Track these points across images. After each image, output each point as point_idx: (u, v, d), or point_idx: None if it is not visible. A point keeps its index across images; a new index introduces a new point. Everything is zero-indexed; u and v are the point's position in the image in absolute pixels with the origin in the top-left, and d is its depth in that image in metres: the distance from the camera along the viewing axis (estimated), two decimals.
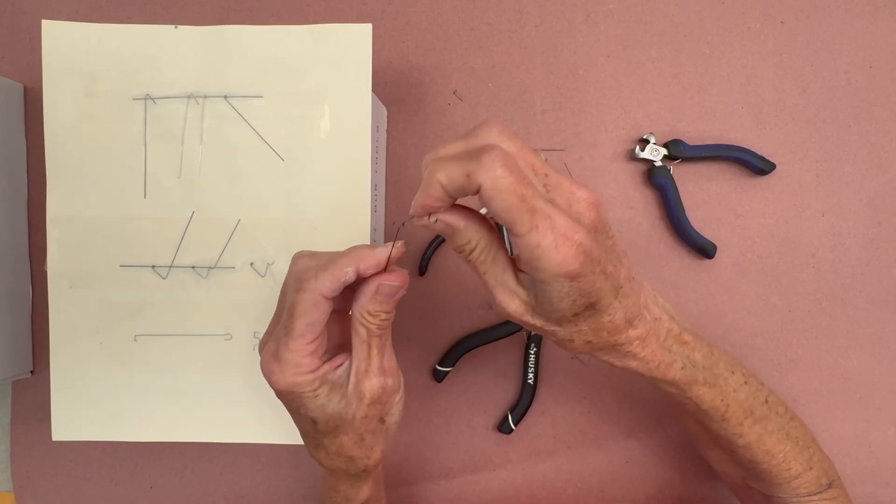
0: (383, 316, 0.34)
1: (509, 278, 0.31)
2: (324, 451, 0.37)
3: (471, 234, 0.30)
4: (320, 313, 0.32)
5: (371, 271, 0.33)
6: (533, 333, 0.52)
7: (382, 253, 0.33)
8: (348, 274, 0.32)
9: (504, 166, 0.27)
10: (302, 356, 0.33)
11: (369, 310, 0.33)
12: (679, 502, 0.54)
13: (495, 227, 0.32)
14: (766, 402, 0.41)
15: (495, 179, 0.26)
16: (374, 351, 0.34)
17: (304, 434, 0.37)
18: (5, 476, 0.55)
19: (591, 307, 0.30)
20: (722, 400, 0.39)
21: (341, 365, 0.35)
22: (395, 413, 0.37)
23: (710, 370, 0.38)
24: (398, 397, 0.37)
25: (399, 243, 0.33)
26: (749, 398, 0.40)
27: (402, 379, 0.37)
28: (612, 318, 0.32)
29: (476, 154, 0.27)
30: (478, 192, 0.27)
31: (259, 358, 0.35)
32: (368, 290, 0.33)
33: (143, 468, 0.55)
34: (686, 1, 0.53)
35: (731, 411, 0.39)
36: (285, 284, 0.34)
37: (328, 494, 0.41)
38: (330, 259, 0.33)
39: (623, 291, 0.32)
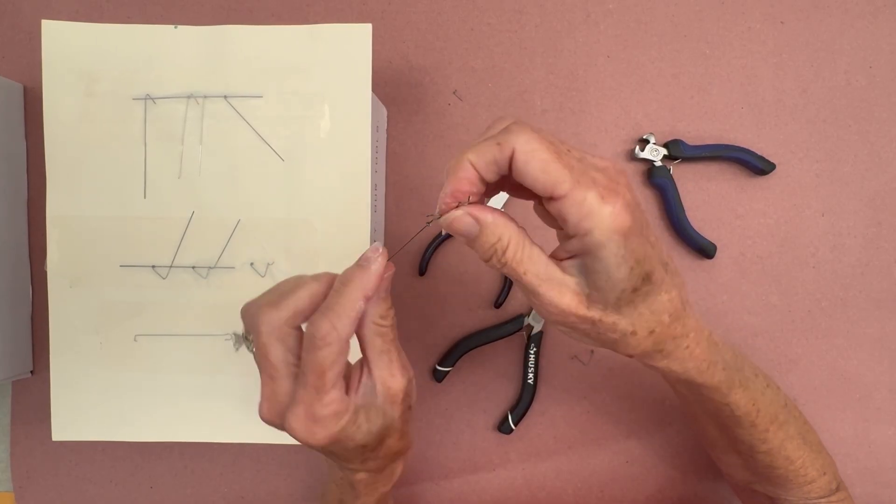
0: (392, 314, 0.33)
1: (554, 270, 0.29)
2: (373, 461, 0.35)
3: (500, 230, 0.29)
4: (344, 358, 0.30)
5: (375, 289, 0.31)
6: (533, 333, 0.52)
7: (377, 269, 0.31)
8: (361, 307, 0.30)
9: (534, 131, 0.27)
10: (338, 405, 0.31)
11: (381, 313, 0.32)
12: (679, 502, 0.54)
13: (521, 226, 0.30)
14: (786, 406, 0.41)
15: (528, 140, 0.26)
16: (394, 354, 0.33)
17: (347, 460, 0.35)
18: (5, 476, 0.55)
19: (647, 279, 0.29)
20: (754, 404, 0.38)
21: (360, 384, 0.33)
22: (414, 394, 0.35)
23: (741, 372, 0.37)
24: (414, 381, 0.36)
25: (385, 260, 0.31)
26: (773, 403, 0.39)
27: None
28: (671, 296, 0.30)
29: (504, 128, 0.27)
30: (510, 164, 0.27)
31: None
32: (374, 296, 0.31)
33: (143, 468, 0.55)
34: (686, 1, 0.53)
35: (761, 416, 0.38)
36: (263, 346, 0.31)
37: (364, 491, 0.38)
38: (335, 303, 0.30)
39: (670, 268, 0.30)
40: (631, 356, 0.32)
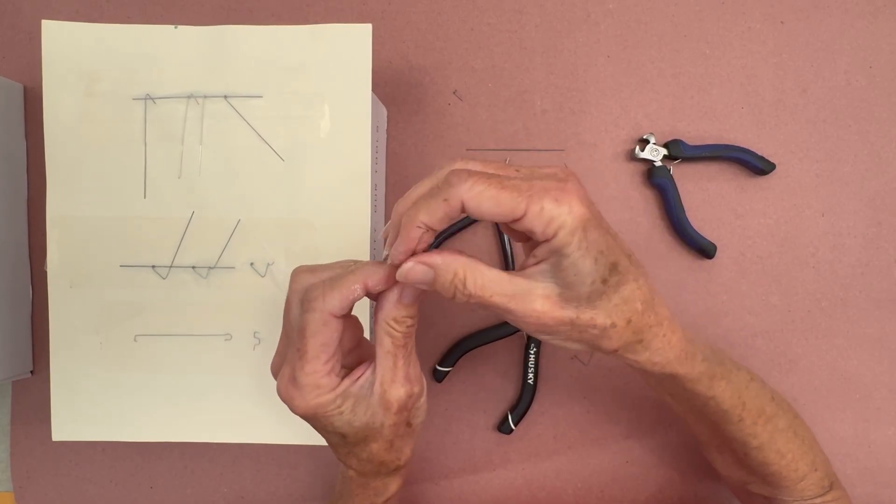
0: (409, 322, 0.33)
1: (519, 282, 0.30)
2: (355, 458, 0.36)
3: (453, 266, 0.30)
4: (332, 332, 0.31)
5: (381, 287, 0.32)
6: None
7: (390, 268, 0.32)
8: (356, 292, 0.31)
9: (472, 174, 0.28)
10: (319, 377, 0.32)
11: (395, 317, 0.32)
12: (679, 502, 0.54)
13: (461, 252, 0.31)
14: (773, 399, 0.41)
15: (471, 187, 0.28)
16: (401, 361, 0.33)
17: (333, 445, 0.36)
18: (5, 476, 0.55)
19: (614, 269, 0.30)
20: (739, 398, 0.38)
21: (361, 376, 0.34)
22: (420, 415, 0.36)
23: (722, 365, 0.38)
24: (423, 400, 0.36)
25: (393, 270, 0.32)
26: (758, 395, 0.40)
27: (424, 381, 0.36)
28: (639, 284, 0.31)
29: (444, 181, 0.29)
30: (462, 210, 0.28)
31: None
32: (391, 297, 0.32)
33: (143, 468, 0.55)
34: (686, 1, 0.53)
35: (747, 410, 0.39)
36: (288, 302, 0.33)
37: (356, 491, 0.40)
38: (336, 276, 0.32)
39: (633, 259, 0.31)
40: (615, 350, 0.32)
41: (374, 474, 0.38)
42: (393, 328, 0.33)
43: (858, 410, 0.53)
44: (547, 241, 0.29)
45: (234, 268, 0.44)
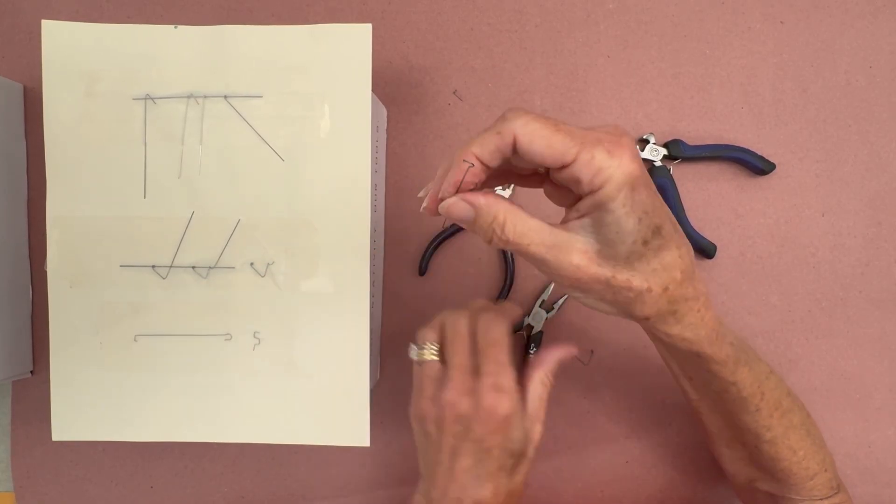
0: (551, 383, 0.40)
1: (558, 233, 0.30)
2: (503, 496, 0.37)
3: (494, 208, 0.30)
4: (513, 344, 0.38)
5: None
6: (534, 333, 0.52)
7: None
8: (520, 317, 0.38)
9: (529, 112, 0.28)
10: (514, 385, 0.37)
11: (548, 377, 0.39)
12: (679, 502, 0.54)
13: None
14: (789, 394, 0.41)
15: (525, 122, 0.28)
16: (545, 405, 0.39)
17: (485, 478, 0.36)
18: (6, 476, 0.55)
19: (657, 232, 0.29)
20: (759, 386, 0.38)
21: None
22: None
23: (746, 353, 0.38)
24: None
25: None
26: (777, 388, 0.40)
27: None
28: (681, 252, 0.30)
29: (500, 117, 0.29)
30: (514, 149, 0.28)
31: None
32: (552, 360, 0.40)
33: (143, 468, 0.55)
34: (686, 1, 0.53)
35: (765, 400, 0.39)
36: (461, 338, 0.39)
37: None
38: (494, 308, 0.40)
39: (677, 227, 0.31)
40: (647, 318, 0.32)
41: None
42: (545, 383, 0.39)
43: (858, 410, 0.53)
44: (592, 193, 0.28)
45: (234, 268, 0.44)
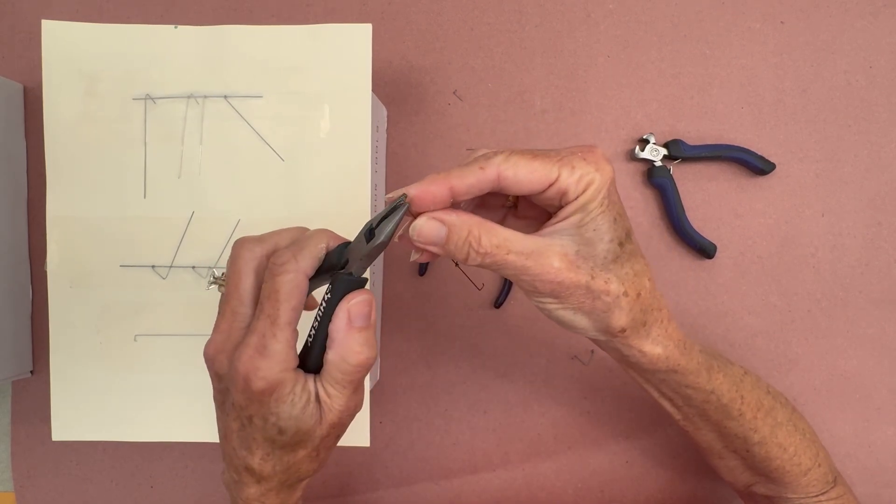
0: (365, 357, 0.31)
1: (534, 240, 0.30)
2: (271, 463, 0.32)
3: (468, 223, 0.30)
4: (301, 296, 0.30)
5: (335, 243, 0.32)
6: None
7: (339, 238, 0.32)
8: (322, 251, 0.31)
9: (507, 149, 0.30)
10: (290, 347, 0.30)
11: (354, 349, 0.30)
12: (679, 502, 0.54)
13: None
14: (769, 392, 0.42)
15: (507, 156, 0.30)
16: (363, 372, 0.31)
17: (252, 444, 0.32)
18: (6, 476, 0.55)
19: (629, 236, 0.31)
20: (737, 390, 0.39)
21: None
22: (347, 428, 0.34)
23: (716, 358, 0.39)
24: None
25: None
26: (754, 388, 0.40)
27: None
28: (645, 263, 0.32)
29: (481, 155, 0.30)
30: (496, 181, 0.29)
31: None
32: (341, 324, 0.30)
33: (143, 468, 0.55)
34: (686, 1, 0.53)
35: (746, 403, 0.39)
36: (238, 273, 0.31)
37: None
38: (302, 239, 0.32)
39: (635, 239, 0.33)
40: (623, 330, 0.32)
41: (281, 484, 0.34)
42: (348, 363, 0.31)
43: (858, 410, 0.53)
44: (576, 198, 0.30)
45: None
